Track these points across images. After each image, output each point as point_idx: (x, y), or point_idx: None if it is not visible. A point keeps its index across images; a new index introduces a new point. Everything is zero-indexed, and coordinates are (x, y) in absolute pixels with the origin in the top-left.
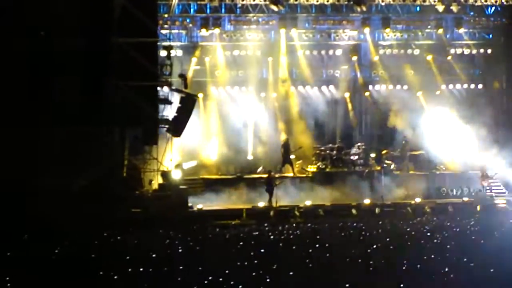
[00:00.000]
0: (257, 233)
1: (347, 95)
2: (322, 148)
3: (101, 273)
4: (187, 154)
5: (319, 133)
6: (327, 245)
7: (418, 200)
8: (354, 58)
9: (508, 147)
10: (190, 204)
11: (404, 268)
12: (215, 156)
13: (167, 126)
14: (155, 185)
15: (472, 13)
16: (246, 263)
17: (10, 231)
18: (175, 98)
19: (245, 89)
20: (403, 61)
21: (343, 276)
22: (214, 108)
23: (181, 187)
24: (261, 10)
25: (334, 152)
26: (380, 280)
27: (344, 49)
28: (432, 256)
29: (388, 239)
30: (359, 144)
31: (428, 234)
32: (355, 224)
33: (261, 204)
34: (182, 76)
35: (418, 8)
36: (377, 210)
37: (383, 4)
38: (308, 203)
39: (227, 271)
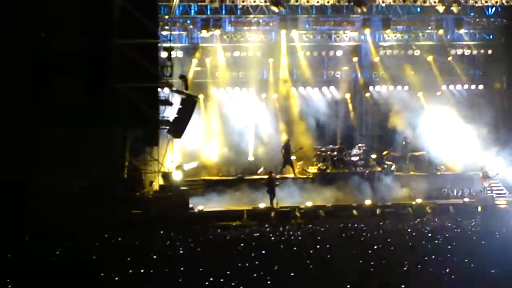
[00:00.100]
0: (258, 234)
1: (347, 96)
2: (323, 149)
3: (101, 274)
4: (188, 155)
5: (319, 134)
6: (328, 246)
7: (419, 200)
8: (355, 59)
9: (509, 147)
10: (191, 205)
11: (405, 269)
12: (215, 157)
13: (167, 127)
14: (155, 186)
15: (472, 14)
16: (247, 264)
17: (10, 231)
18: (176, 99)
19: (245, 90)
20: (404, 62)
21: (343, 277)
22: (215, 109)
23: (182, 188)
24: (262, 11)
25: (335, 153)
26: (381, 281)
27: (344, 50)
28: (433, 257)
29: (389, 240)
30: (359, 145)
31: (429, 234)
32: (356, 225)
33: (262, 205)
34: (183, 77)
35: (418, 9)
36: (378, 211)
37: (383, 5)
38: (309, 204)
39: (228, 272)
